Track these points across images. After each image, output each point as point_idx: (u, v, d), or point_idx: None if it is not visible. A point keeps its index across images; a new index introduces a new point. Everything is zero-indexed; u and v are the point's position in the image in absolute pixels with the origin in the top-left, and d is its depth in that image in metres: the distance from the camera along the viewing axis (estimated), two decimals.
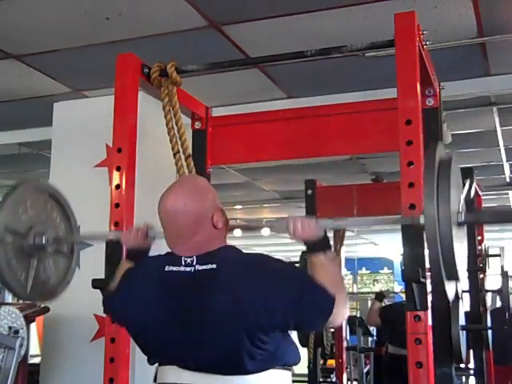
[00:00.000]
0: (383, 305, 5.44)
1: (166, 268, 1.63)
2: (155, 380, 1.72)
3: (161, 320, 1.61)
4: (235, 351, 1.55)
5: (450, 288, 1.72)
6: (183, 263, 1.62)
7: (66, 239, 2.16)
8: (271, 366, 1.60)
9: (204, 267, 1.60)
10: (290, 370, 1.67)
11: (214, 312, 1.56)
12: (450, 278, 1.68)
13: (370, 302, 10.07)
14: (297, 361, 1.69)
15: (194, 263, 1.61)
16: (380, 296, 5.51)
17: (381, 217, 1.91)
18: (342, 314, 1.62)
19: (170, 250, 1.69)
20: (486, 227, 5.17)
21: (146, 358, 1.71)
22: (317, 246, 1.70)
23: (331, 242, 1.72)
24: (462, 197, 1.73)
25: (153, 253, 1.86)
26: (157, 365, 1.72)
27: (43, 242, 2.02)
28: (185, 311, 1.58)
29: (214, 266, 1.59)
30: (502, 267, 5.20)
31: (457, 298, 3.02)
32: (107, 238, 2.15)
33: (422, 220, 1.64)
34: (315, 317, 1.58)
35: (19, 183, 2.06)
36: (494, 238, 9.33)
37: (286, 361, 1.64)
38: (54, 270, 2.12)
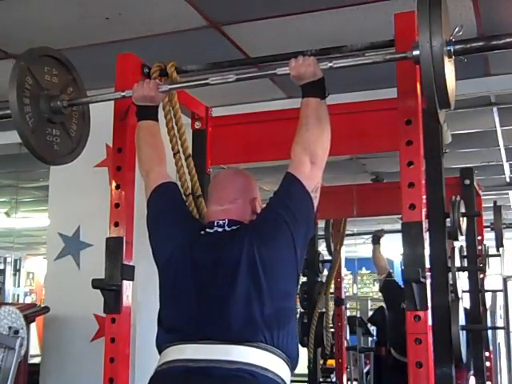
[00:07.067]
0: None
1: (202, 232, 1.80)
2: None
3: (186, 280, 1.72)
4: (243, 309, 1.63)
5: (442, 117, 1.90)
6: (216, 225, 1.78)
7: (77, 101, 2.28)
8: (276, 339, 1.63)
9: (231, 228, 1.77)
10: (289, 367, 1.69)
11: (228, 272, 1.67)
12: (442, 105, 1.80)
13: (370, 303, 10.10)
14: (296, 354, 1.71)
15: (225, 224, 1.77)
16: (376, 238, 5.39)
17: (375, 55, 1.97)
18: (310, 159, 1.76)
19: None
20: (485, 227, 5.17)
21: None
22: (312, 86, 1.83)
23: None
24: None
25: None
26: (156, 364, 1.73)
27: (57, 104, 2.17)
28: (207, 271, 1.70)
29: (238, 225, 1.77)
30: (495, 202, 5.22)
31: (457, 297, 3.02)
32: (120, 96, 2.20)
33: (415, 52, 1.76)
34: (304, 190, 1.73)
35: (56, 50, 2.32)
36: (493, 237, 9.31)
37: (288, 348, 1.66)
38: (59, 140, 2.24)
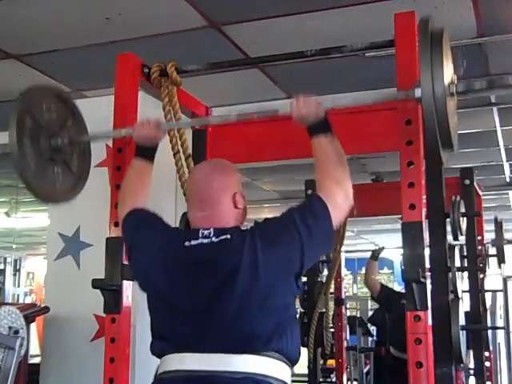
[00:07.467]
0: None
1: (186, 243, 1.69)
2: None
3: (176, 291, 1.67)
4: (242, 321, 1.59)
5: (444, 156, 1.91)
6: (200, 235, 1.68)
7: (77, 139, 2.23)
8: (276, 346, 1.62)
9: (219, 238, 1.66)
10: (290, 367, 1.68)
11: (225, 281, 1.61)
12: (444, 146, 1.83)
13: (370, 303, 10.11)
14: (297, 356, 1.70)
15: (211, 235, 1.67)
16: (375, 253, 5.42)
17: (375, 94, 1.97)
18: (345, 193, 1.73)
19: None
20: (485, 227, 5.17)
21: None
22: (318, 126, 1.80)
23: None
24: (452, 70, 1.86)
25: None
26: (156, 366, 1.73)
27: (58, 141, 2.11)
28: (199, 282, 1.64)
29: (228, 236, 1.66)
30: (496, 219, 5.21)
31: (457, 297, 3.02)
32: (120, 135, 2.16)
33: (417, 93, 1.77)
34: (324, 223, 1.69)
35: (57, 87, 2.25)
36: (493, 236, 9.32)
37: (288, 351, 1.65)
38: (61, 178, 2.17)
